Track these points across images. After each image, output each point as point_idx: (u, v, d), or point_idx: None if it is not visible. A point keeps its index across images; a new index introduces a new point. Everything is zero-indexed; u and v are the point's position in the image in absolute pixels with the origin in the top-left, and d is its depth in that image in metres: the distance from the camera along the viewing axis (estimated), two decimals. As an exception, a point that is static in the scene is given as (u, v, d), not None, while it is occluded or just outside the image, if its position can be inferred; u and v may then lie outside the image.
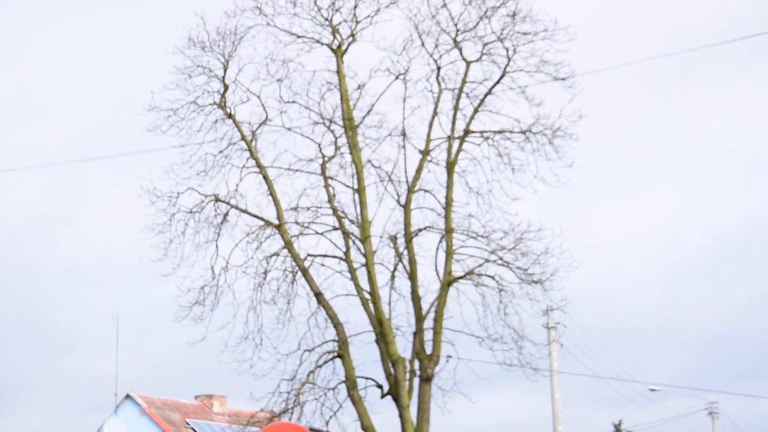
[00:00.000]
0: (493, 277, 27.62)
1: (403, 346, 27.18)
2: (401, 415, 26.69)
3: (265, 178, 27.84)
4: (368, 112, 27.98)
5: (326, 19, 27.93)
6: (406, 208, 27.80)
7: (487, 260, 27.62)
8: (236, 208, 27.81)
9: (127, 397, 51.35)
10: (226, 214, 27.79)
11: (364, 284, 27.39)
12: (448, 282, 27.38)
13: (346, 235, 27.66)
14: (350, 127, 27.75)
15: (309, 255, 27.68)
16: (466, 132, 27.93)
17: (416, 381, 27.08)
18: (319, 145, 27.98)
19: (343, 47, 28.04)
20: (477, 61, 27.90)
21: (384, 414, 27.59)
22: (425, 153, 27.91)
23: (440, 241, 27.63)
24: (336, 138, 27.98)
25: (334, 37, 28.01)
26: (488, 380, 28.23)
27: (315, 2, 27.78)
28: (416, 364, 27.12)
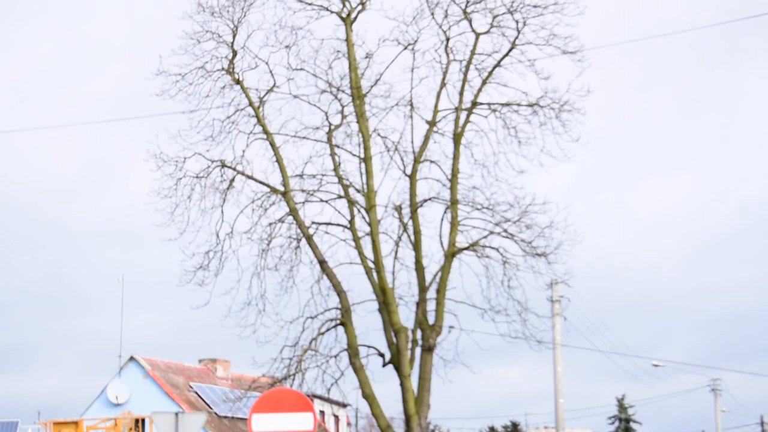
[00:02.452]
0: (497, 249, 27.67)
1: (406, 316, 27.31)
2: (402, 384, 26.81)
3: (272, 144, 27.88)
4: (376, 82, 28.01)
5: (336, -13, 27.89)
6: (411, 178, 27.83)
7: (491, 232, 27.66)
8: (242, 174, 27.87)
9: (131, 359, 51.59)
10: (232, 180, 27.86)
11: (368, 253, 27.50)
12: (452, 253, 27.43)
13: (351, 203, 27.72)
14: (358, 96, 27.75)
15: (314, 222, 27.78)
16: (474, 104, 27.92)
17: (418, 351, 27.18)
18: (326, 113, 28.03)
19: (353, 16, 28.01)
20: (486, 33, 27.84)
21: (385, 383, 27.74)
22: (432, 124, 27.92)
23: (445, 212, 27.70)
24: (343, 107, 28.01)
25: (344, 5, 27.98)
26: (490, 352, 28.35)
27: (325, -30, 27.75)
28: (418, 333, 27.22)
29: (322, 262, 27.36)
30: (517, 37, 27.56)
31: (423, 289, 27.38)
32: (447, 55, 27.99)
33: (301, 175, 27.97)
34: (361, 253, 27.46)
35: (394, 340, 26.99)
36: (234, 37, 27.85)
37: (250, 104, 27.91)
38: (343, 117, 28.02)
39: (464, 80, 27.88)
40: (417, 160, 27.84)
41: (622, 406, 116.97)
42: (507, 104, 27.84)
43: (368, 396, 27.01)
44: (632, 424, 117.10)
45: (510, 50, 27.65)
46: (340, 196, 27.84)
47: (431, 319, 27.26)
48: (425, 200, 27.88)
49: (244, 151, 27.87)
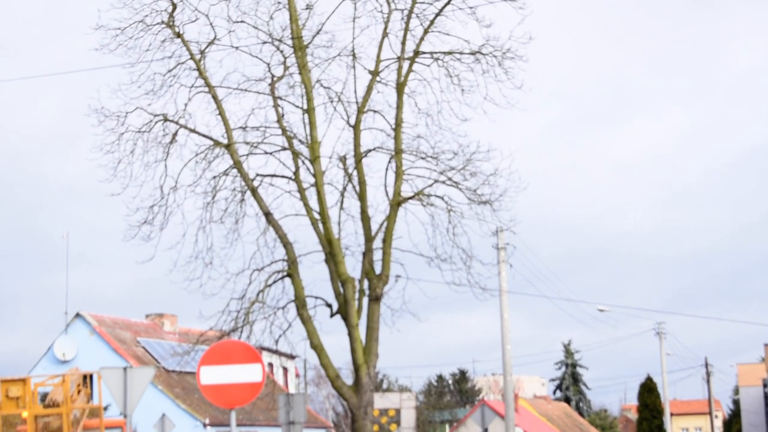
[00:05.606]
0: (442, 198, 27.77)
1: (353, 266, 27.42)
2: (350, 334, 26.92)
3: (214, 97, 27.71)
4: (318, 32, 27.83)
5: (276, -63, 27.63)
6: (355, 128, 27.79)
7: (436, 181, 27.73)
8: (185, 127, 27.71)
9: (77, 316, 51.37)
10: (175, 134, 27.69)
11: (314, 204, 27.48)
12: (397, 202, 27.48)
13: (296, 155, 27.65)
14: (299, 47, 27.61)
15: (258, 175, 27.70)
16: (416, 53, 27.86)
17: (365, 300, 27.28)
18: (268, 65, 27.87)
19: (293, -34, 27.81)
20: (427, -20, 27.71)
21: (333, 333, 27.86)
22: (375, 74, 27.84)
23: (389, 162, 27.70)
24: (285, 58, 27.85)
25: (284, -44, 27.74)
26: (439, 301, 28.47)
27: None
28: (365, 283, 27.30)
29: (268, 214, 27.32)
30: (458, -15, 27.46)
31: (369, 239, 27.43)
32: (388, 4, 27.87)
33: (244, 128, 27.85)
34: (306, 205, 27.45)
35: (341, 290, 27.07)
36: (173, -11, 27.56)
37: (191, 57, 27.69)
38: (286, 68, 27.87)
39: (406, 29, 27.81)
40: (360, 111, 27.80)
41: (568, 352, 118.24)
42: (449, 53, 27.80)
43: (316, 347, 27.09)
44: (578, 369, 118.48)
45: (451, -2, 27.56)
46: (284, 148, 27.77)
47: (378, 269, 27.35)
48: (369, 150, 27.88)
49: (186, 105, 27.72)
